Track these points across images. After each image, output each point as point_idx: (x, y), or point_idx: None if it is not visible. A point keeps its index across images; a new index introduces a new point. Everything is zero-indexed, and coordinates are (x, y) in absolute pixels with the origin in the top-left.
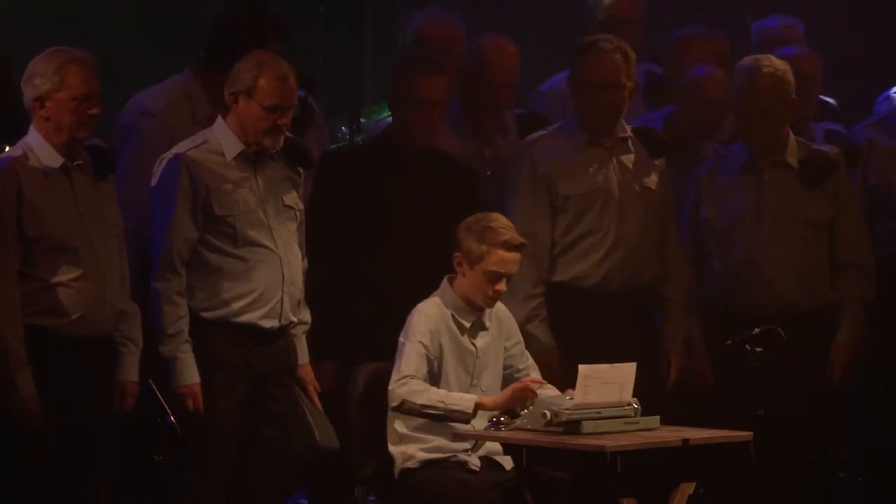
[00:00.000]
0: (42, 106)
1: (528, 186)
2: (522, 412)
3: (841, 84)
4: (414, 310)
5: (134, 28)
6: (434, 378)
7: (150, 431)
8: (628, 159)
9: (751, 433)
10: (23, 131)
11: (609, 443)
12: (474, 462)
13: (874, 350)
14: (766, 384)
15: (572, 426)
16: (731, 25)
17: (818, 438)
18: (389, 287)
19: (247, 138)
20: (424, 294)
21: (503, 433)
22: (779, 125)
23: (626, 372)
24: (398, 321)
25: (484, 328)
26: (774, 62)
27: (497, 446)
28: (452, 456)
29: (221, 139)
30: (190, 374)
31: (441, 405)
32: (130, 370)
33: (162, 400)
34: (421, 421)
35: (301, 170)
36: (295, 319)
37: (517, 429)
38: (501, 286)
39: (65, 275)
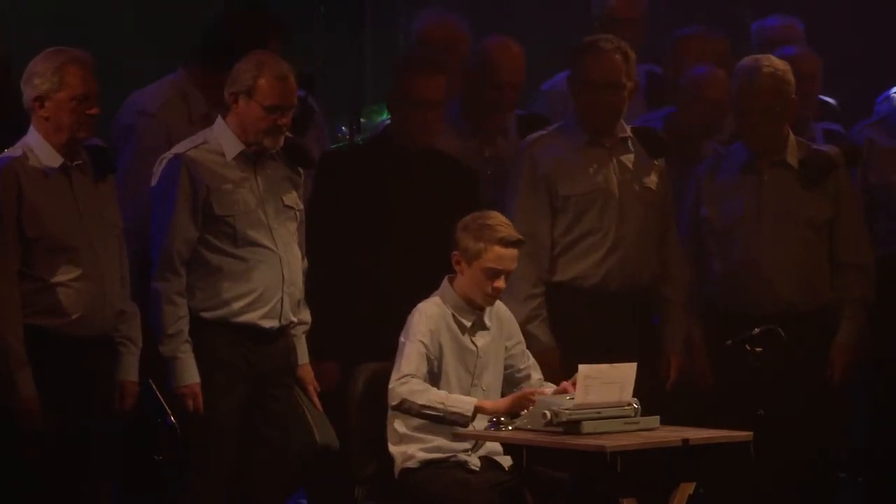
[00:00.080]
0: (41, 106)
1: (528, 186)
2: (522, 412)
3: (841, 84)
4: (414, 309)
5: (134, 28)
6: (434, 378)
7: (150, 431)
8: (628, 159)
9: (751, 433)
10: (23, 131)
11: (609, 443)
12: (474, 462)
13: (874, 350)
14: (766, 384)
15: (572, 426)
16: (731, 25)
17: (818, 438)
18: (389, 287)
19: (247, 138)
20: (424, 294)
21: (503, 433)
22: (779, 125)
23: (626, 372)
24: (398, 321)
25: (485, 328)
26: (774, 62)
27: (497, 446)
28: (452, 456)
29: (221, 139)
30: (190, 374)
31: (441, 406)
32: (130, 370)
33: (162, 400)
34: (421, 421)
35: (301, 170)
36: (295, 319)
37: (517, 429)
38: (500, 283)
39: (64, 275)
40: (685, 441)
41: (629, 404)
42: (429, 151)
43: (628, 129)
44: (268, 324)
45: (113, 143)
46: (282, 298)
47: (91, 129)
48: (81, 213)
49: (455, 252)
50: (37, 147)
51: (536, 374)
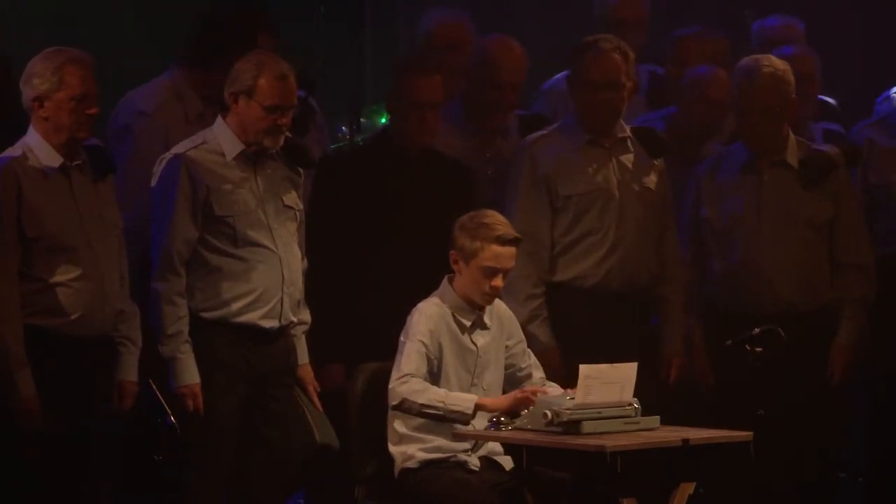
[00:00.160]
0: (41, 106)
1: (528, 186)
2: (523, 412)
3: (841, 84)
4: (414, 309)
5: (133, 28)
6: (434, 377)
7: (150, 431)
8: (628, 159)
9: (751, 433)
10: (22, 131)
11: (609, 443)
12: (474, 462)
13: (874, 350)
14: (767, 384)
15: (572, 426)
16: (731, 25)
17: (818, 438)
18: (390, 287)
19: (247, 138)
20: (424, 294)
21: (503, 433)
22: (779, 125)
23: (626, 372)
24: (399, 321)
25: (485, 327)
26: (774, 62)
27: (497, 446)
28: (452, 456)
29: (221, 139)
30: (190, 374)
31: (441, 405)
32: (129, 370)
33: (162, 400)
34: (421, 421)
35: (301, 170)
36: (295, 319)
37: (517, 429)
38: (498, 282)
39: (64, 275)
40: (685, 441)
41: (629, 404)
42: (428, 152)
43: (628, 129)
44: (268, 324)
45: (109, 143)
46: (282, 298)
47: (90, 129)
48: (81, 212)
49: (453, 251)
50: (36, 147)
51: (538, 373)
